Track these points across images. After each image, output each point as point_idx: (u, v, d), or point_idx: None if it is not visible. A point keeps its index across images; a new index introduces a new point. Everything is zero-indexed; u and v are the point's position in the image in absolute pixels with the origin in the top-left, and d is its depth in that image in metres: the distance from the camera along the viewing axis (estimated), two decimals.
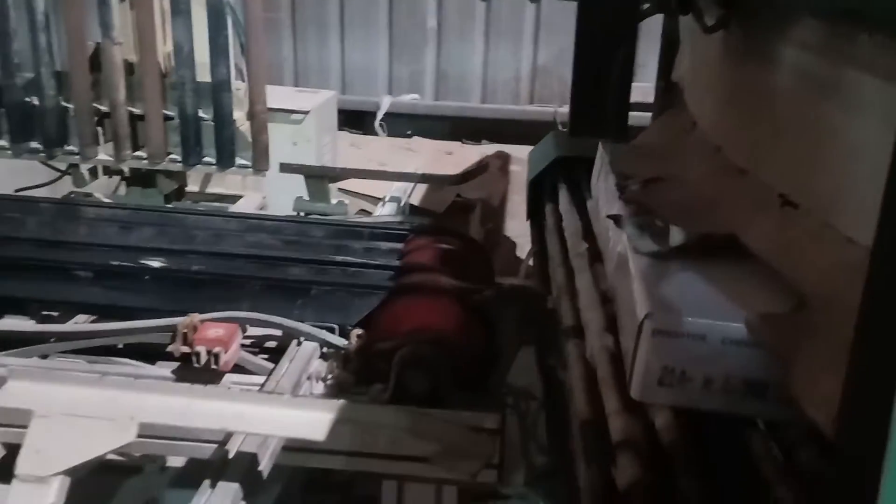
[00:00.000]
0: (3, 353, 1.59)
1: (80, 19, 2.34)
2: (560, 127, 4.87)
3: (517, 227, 3.93)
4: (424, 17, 5.69)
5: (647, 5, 2.08)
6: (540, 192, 2.12)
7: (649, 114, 2.52)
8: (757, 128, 1.26)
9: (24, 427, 1.20)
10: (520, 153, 4.22)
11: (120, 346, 1.72)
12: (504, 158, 4.59)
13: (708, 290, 1.14)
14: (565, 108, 2.98)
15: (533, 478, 2.53)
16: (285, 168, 2.57)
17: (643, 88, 2.71)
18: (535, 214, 2.17)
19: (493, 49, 5.78)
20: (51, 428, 1.13)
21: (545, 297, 1.66)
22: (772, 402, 1.02)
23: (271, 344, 1.75)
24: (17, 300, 1.77)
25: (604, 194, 1.58)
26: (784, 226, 1.08)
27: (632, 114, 2.32)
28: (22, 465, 1.11)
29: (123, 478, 2.46)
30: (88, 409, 1.14)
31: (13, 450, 1.47)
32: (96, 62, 2.46)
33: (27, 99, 2.46)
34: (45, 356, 1.64)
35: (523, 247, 3.70)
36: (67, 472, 1.12)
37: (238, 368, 1.62)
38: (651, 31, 2.36)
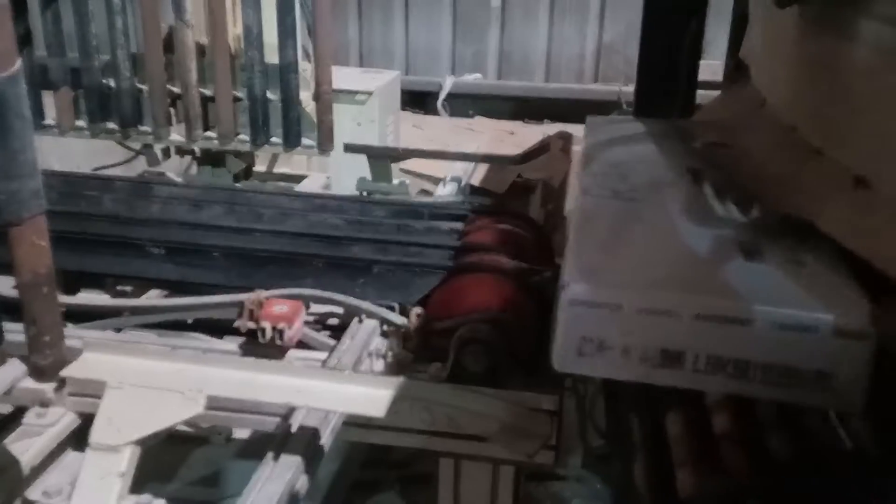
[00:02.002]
0: (79, 325, 1.66)
1: (154, 2, 2.40)
2: (625, 106, 4.77)
3: None
4: None
5: None
6: None
7: (717, 92, 2.45)
8: (833, 106, 1.21)
9: (98, 397, 1.25)
10: (582, 133, 4.16)
11: (189, 320, 1.79)
12: (566, 138, 4.52)
13: (637, 260, 1.16)
14: (630, 88, 2.92)
15: (590, 460, 2.52)
16: (349, 148, 2.60)
17: (711, 66, 2.63)
18: None
19: (558, 27, 5.70)
20: (123, 399, 1.17)
21: None
22: (688, 372, 1.04)
23: (333, 321, 1.78)
24: (92, 275, 1.84)
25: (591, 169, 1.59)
26: (859, 209, 1.04)
27: (699, 92, 2.26)
28: (95, 434, 1.16)
29: (191, 449, 2.56)
30: (159, 380, 1.18)
31: (87, 419, 1.55)
32: (169, 44, 2.52)
33: (104, 81, 2.55)
34: (118, 329, 1.71)
35: None
36: (138, 442, 1.16)
37: (301, 344, 1.66)
38: (720, 7, 2.29)
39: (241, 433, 1.60)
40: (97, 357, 1.23)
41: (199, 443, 2.52)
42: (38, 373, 1.22)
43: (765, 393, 1.04)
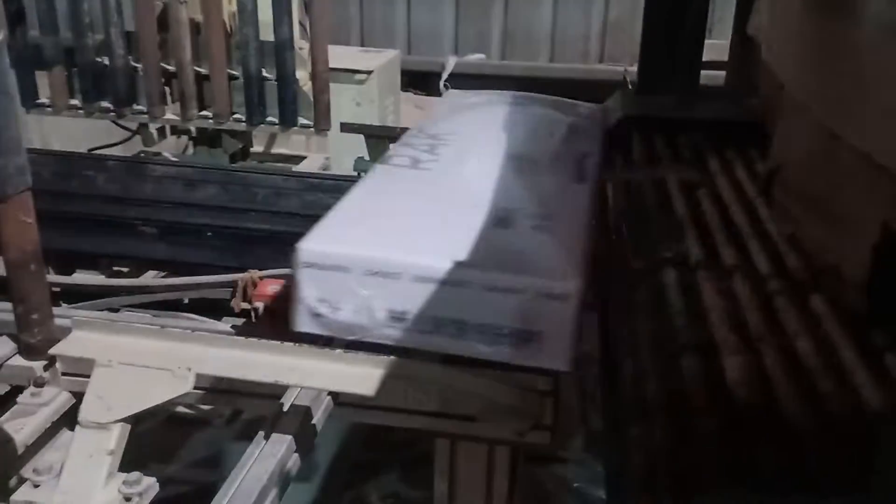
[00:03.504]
0: (74, 305, 1.65)
1: None
2: (630, 86, 4.73)
3: None
4: None
5: None
6: (605, 152, 2.06)
7: (723, 73, 2.42)
8: (848, 86, 1.18)
9: (87, 376, 1.25)
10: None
11: (186, 301, 1.77)
12: None
13: (385, 226, 1.25)
14: (635, 68, 2.87)
15: (592, 443, 2.51)
16: (346, 127, 2.57)
17: (718, 46, 2.59)
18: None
19: (563, 6, 5.63)
20: (112, 376, 1.16)
21: (606, 257, 1.62)
22: (413, 332, 1.14)
23: None
24: (88, 255, 1.83)
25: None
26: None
27: (705, 72, 2.23)
28: (84, 411, 1.15)
29: (191, 430, 2.56)
30: (148, 359, 1.17)
31: (81, 399, 1.55)
32: (164, 22, 2.49)
33: (98, 59, 2.52)
34: (113, 310, 1.70)
35: None
36: (127, 420, 1.15)
37: None
38: None
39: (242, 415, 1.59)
40: (86, 335, 1.22)
41: (199, 425, 2.53)
42: (27, 351, 1.21)
43: (481, 352, 1.14)
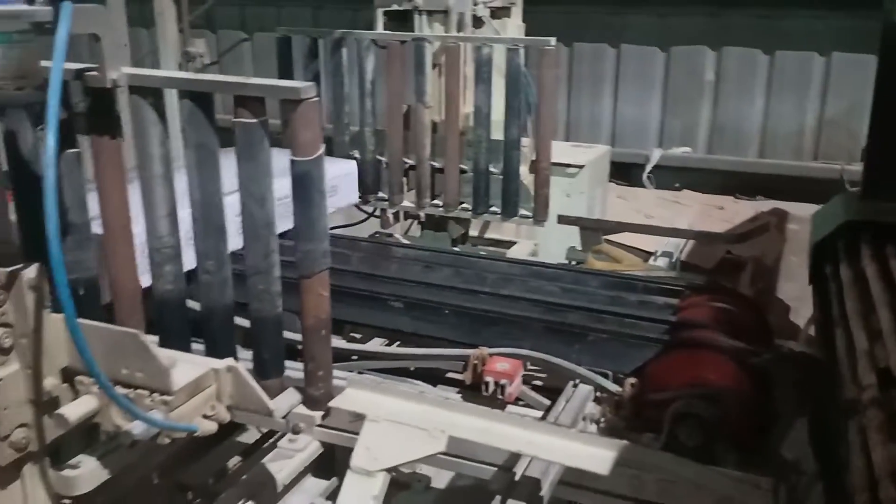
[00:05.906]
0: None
1: (400, 86, 2.72)
2: (847, 185, 4.54)
3: (793, 290, 3.71)
4: (702, 71, 5.64)
5: None
6: (824, 257, 2.05)
7: None
8: None
9: (342, 430, 1.46)
10: (798, 211, 4.00)
11: (411, 368, 1.99)
12: (780, 216, 4.37)
13: None
14: (854, 167, 2.79)
15: None
16: (563, 220, 2.74)
17: None
18: (818, 279, 2.10)
19: (775, 102, 5.55)
20: (379, 431, 1.36)
21: (826, 366, 1.62)
22: None
23: (540, 381, 1.90)
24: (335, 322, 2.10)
25: None
26: None
27: None
28: (356, 459, 1.35)
29: (393, 492, 2.74)
30: (409, 418, 1.36)
31: (328, 448, 1.77)
32: (406, 122, 2.83)
33: (350, 153, 2.90)
34: (359, 372, 1.95)
35: (798, 311, 3.49)
36: (389, 470, 1.34)
37: (517, 400, 1.79)
38: None
39: (439, 482, 1.75)
40: (358, 393, 1.44)
41: (400, 487, 2.71)
42: (311, 402, 1.44)
43: None
